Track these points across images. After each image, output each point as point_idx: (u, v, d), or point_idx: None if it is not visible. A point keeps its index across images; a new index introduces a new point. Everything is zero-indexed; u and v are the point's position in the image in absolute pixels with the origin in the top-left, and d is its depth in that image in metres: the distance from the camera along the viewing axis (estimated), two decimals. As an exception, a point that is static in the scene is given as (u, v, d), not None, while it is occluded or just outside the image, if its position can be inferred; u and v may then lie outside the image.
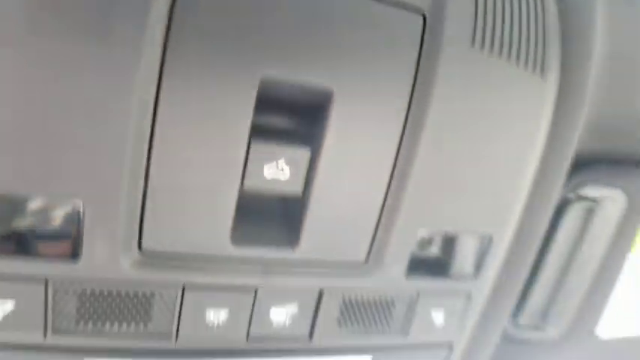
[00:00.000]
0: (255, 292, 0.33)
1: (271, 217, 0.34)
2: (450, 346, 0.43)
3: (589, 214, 0.52)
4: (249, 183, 0.31)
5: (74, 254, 0.29)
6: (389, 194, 0.34)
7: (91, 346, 0.32)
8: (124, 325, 0.32)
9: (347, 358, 0.39)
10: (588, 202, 0.52)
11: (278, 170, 0.32)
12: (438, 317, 0.40)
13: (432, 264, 0.40)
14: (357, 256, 0.36)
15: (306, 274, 0.35)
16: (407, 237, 0.36)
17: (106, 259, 0.30)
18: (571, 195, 0.51)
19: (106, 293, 0.31)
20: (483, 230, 0.39)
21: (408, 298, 0.38)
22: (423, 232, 0.37)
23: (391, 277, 0.37)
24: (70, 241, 0.30)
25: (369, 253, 0.36)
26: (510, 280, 0.44)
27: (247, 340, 0.35)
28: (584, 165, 0.49)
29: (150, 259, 0.31)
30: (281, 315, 0.35)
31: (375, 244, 0.36)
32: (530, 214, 0.42)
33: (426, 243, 0.39)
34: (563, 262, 0.54)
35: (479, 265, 0.40)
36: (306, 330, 0.36)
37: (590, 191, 0.51)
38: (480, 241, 0.40)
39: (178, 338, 0.33)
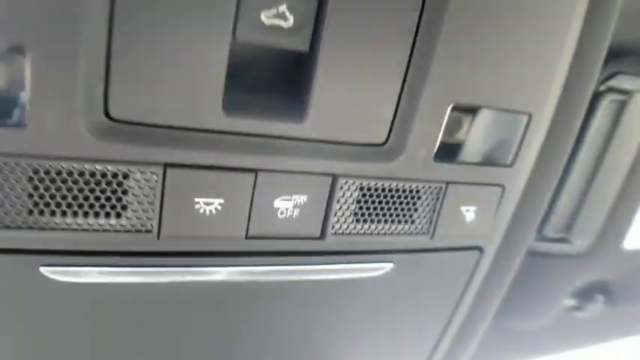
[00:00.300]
0: (255, 176, 0.27)
1: (273, 83, 0.27)
2: (480, 251, 0.37)
3: (620, 108, 0.47)
4: (244, 32, 0.24)
5: (20, 121, 0.22)
6: (413, 57, 0.28)
7: (49, 246, 0.25)
8: (91, 217, 0.25)
9: (364, 266, 0.33)
10: (620, 95, 0.46)
11: (279, 17, 0.25)
12: (469, 214, 0.34)
13: (464, 151, 0.33)
14: (377, 134, 0.29)
15: (317, 155, 0.28)
16: (435, 112, 0.29)
17: (61, 125, 0.22)
18: (602, 88, 0.46)
19: (65, 173, 0.23)
20: (521, 107, 0.32)
21: (435, 190, 0.32)
22: (453, 108, 0.30)
23: (417, 161, 0.30)
24: (14, 103, 0.22)
25: (391, 130, 0.29)
26: (545, 175, 0.38)
27: (246, 237, 0.28)
28: (617, 56, 0.44)
29: (119, 129, 0.24)
30: (287, 207, 0.29)
31: (398, 119, 0.29)
32: (568, 100, 0.36)
33: (456, 125, 0.32)
34: (592, 166, 0.49)
35: (515, 151, 0.34)
36: (317, 227, 0.30)
37: (623, 83, 0.46)
38: (517, 123, 0.33)
39: (161, 235, 0.26)
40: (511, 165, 0.34)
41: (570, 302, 0.60)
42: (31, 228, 0.24)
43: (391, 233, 0.32)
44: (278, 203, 0.28)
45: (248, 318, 0.32)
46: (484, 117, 0.33)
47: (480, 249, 0.37)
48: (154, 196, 0.25)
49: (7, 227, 0.24)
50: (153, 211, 0.26)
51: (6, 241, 0.24)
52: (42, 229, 0.24)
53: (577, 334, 0.63)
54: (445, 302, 0.39)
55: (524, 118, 0.33)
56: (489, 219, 0.35)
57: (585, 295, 0.61)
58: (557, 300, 0.55)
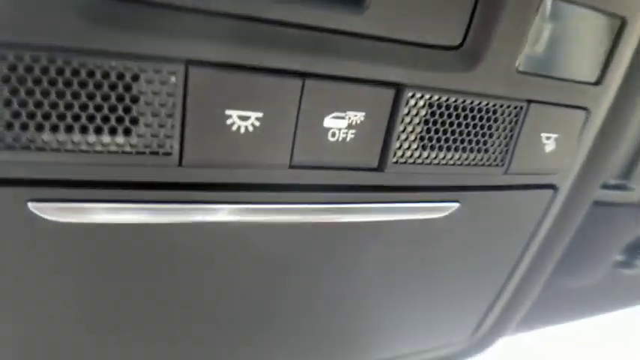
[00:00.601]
0: (303, 83, 0.20)
1: None
2: (554, 190, 0.31)
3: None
4: None
5: None
6: None
7: (38, 174, 0.19)
8: (91, 134, 0.18)
9: (426, 206, 0.27)
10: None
11: None
12: (549, 144, 0.28)
13: (548, 63, 0.27)
14: (452, 34, 0.23)
15: (378, 58, 0.22)
16: (523, 6, 0.23)
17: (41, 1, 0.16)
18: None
19: (54, 71, 0.17)
20: (616, 9, 0.26)
21: (514, 110, 0.26)
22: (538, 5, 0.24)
23: (498, 71, 0.24)
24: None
25: (468, 30, 0.23)
26: (629, 100, 0.32)
27: (290, 166, 0.22)
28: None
29: (122, 9, 0.17)
30: (340, 127, 0.22)
31: (477, 15, 0.23)
32: None
33: (540, 29, 0.26)
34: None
35: (603, 66, 0.27)
36: (375, 154, 0.24)
37: None
38: (608, 30, 0.27)
39: (184, 160, 0.20)
40: (598, 83, 0.28)
41: (619, 258, 0.55)
42: (11, 148, 0.18)
43: (461, 164, 0.26)
44: (329, 122, 0.22)
45: (288, 267, 0.26)
46: (572, 20, 0.26)
47: (554, 187, 0.31)
48: (173, 105, 0.19)
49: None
50: (172, 126, 0.19)
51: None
52: (26, 148, 0.18)
53: (624, 292, 0.57)
54: (510, 248, 0.33)
55: (617, 24, 0.27)
56: (570, 150, 0.29)
57: (634, 250, 0.55)
58: (611, 254, 0.50)
